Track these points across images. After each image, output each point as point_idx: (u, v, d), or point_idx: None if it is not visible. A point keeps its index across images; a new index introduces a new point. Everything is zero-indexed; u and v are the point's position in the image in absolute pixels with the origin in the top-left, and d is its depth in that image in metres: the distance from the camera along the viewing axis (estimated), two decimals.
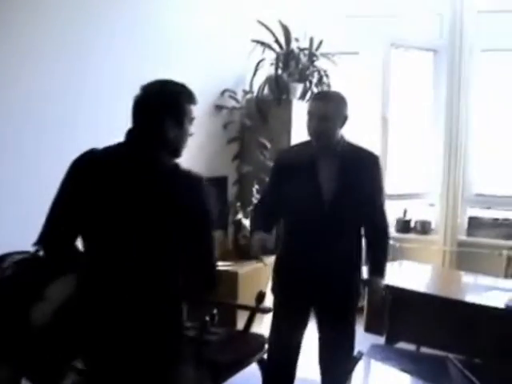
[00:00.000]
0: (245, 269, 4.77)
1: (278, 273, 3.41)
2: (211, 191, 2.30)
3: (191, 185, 2.24)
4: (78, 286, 2.21)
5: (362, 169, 3.21)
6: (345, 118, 3.21)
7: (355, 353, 3.41)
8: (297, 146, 3.52)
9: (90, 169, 2.24)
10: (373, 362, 3.66)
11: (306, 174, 3.21)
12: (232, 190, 5.56)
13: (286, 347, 3.35)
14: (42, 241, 2.23)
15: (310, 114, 3.20)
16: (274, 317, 3.46)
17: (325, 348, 3.34)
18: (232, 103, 5.47)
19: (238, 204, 5.35)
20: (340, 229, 3.17)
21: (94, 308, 2.18)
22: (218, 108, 5.35)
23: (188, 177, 2.27)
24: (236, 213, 5.30)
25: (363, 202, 3.19)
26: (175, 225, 2.20)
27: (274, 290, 3.45)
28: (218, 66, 5.31)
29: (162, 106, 2.27)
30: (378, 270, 3.33)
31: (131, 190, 2.18)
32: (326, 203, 3.17)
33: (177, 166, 2.29)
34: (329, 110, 3.14)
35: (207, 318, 3.51)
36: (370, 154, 3.32)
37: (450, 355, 3.26)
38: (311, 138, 3.24)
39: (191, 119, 2.35)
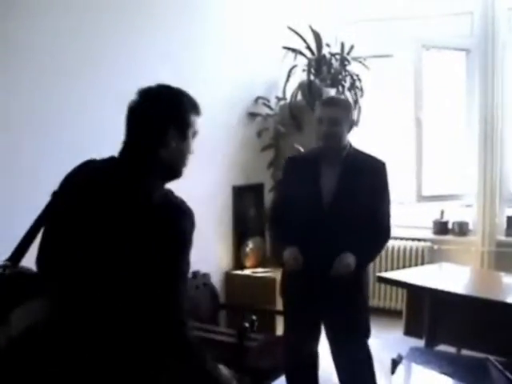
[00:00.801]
0: None
1: (285, 276, 3.48)
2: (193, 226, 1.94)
3: (172, 216, 1.91)
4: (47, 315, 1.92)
5: (365, 174, 3.26)
6: (352, 123, 3.31)
7: (395, 356, 3.42)
8: (305, 152, 3.67)
9: (74, 186, 2.00)
10: (414, 365, 3.64)
11: (309, 177, 3.29)
12: (268, 197, 5.59)
13: (302, 352, 3.40)
14: (14, 257, 2.02)
15: (320, 119, 3.27)
16: (286, 323, 3.54)
17: (338, 357, 3.40)
18: (265, 110, 5.52)
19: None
20: (341, 231, 3.18)
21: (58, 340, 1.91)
22: (252, 115, 5.40)
23: (171, 207, 1.93)
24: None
25: (364, 206, 3.21)
26: (144, 266, 1.88)
27: (283, 292, 3.51)
28: (251, 73, 5.37)
29: (165, 115, 1.98)
30: (357, 251, 3.19)
31: (109, 221, 1.91)
32: (326, 206, 3.23)
33: (167, 194, 1.97)
34: (338, 114, 3.23)
35: (246, 325, 3.55)
36: (376, 160, 3.36)
37: (491, 357, 3.23)
38: (320, 142, 3.30)
39: (195, 133, 2.06)
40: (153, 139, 1.97)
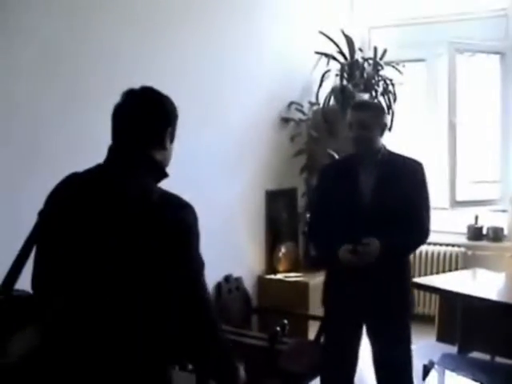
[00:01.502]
0: (316, 279, 4.81)
1: (328, 284, 3.44)
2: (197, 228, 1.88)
3: (174, 214, 1.84)
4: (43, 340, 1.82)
5: (403, 174, 3.23)
6: (384, 126, 3.28)
7: (426, 362, 3.41)
8: (339, 158, 3.64)
9: (61, 201, 1.91)
10: (446, 371, 3.62)
11: (347, 182, 3.26)
12: (301, 202, 5.61)
13: (340, 362, 3.34)
14: (6, 282, 1.88)
15: (350, 123, 3.26)
16: (326, 331, 3.50)
17: (380, 364, 3.30)
18: (298, 115, 5.54)
19: (308, 215, 5.40)
20: (381, 231, 3.10)
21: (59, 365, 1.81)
22: (285, 120, 5.43)
23: (171, 205, 1.86)
24: (306, 224, 5.36)
25: (403, 208, 3.16)
26: (153, 272, 1.80)
27: (324, 302, 3.47)
28: (284, 78, 5.40)
29: (165, 116, 1.95)
30: (386, 240, 3.10)
31: (104, 225, 1.83)
32: (366, 206, 3.18)
33: (163, 192, 1.89)
34: (367, 118, 3.20)
35: (278, 329, 3.57)
36: (413, 160, 3.33)
37: None
38: (352, 146, 3.29)
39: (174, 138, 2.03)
40: (150, 140, 1.92)
